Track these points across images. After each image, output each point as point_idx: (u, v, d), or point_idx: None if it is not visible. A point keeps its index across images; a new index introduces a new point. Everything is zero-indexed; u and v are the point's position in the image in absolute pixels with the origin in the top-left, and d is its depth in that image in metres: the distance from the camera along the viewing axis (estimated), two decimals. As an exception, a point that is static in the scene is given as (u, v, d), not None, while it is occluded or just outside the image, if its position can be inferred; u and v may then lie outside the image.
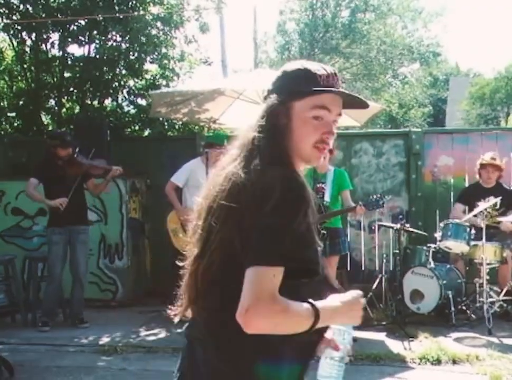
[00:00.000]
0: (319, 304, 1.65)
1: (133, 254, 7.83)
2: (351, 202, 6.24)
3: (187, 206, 6.82)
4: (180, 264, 1.97)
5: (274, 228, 1.63)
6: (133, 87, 9.88)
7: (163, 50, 9.61)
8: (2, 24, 9.22)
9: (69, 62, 9.52)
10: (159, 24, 9.38)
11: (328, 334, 1.79)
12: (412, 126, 22.12)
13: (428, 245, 6.79)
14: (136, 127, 9.96)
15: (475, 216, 6.50)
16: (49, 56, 9.54)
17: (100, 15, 8.80)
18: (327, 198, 6.19)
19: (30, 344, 6.02)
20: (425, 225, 7.62)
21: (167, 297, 7.19)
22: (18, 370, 5.11)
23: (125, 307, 7.51)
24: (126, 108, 10.06)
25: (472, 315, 6.43)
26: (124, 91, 9.83)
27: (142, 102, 9.92)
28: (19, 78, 9.93)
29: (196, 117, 8.02)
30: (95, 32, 9.18)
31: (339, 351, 1.76)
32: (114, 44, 9.34)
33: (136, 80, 9.86)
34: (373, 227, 7.68)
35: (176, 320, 1.93)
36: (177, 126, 9.71)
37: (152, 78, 9.86)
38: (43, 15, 8.76)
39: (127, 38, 9.16)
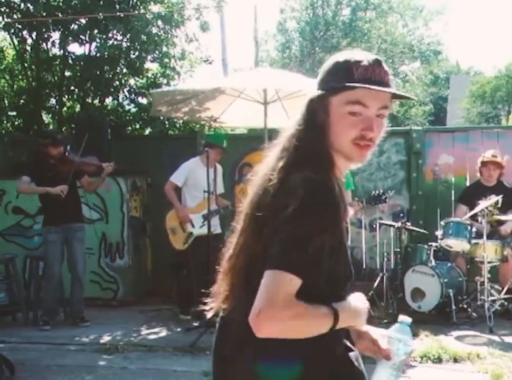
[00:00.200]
0: (338, 306, 1.65)
1: (134, 253, 7.83)
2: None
3: (186, 205, 6.82)
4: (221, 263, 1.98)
5: (293, 235, 1.60)
6: (134, 86, 9.88)
7: (164, 49, 9.61)
8: (3, 23, 9.21)
9: (70, 61, 9.51)
10: (159, 22, 9.37)
11: (383, 343, 1.79)
12: (413, 125, 22.11)
13: (429, 243, 6.78)
14: (137, 126, 9.96)
15: (475, 215, 6.50)
16: (50, 55, 9.54)
17: (100, 14, 8.79)
18: None
19: (31, 343, 6.02)
20: (426, 224, 7.62)
21: (168, 296, 7.22)
22: (19, 369, 5.12)
23: (126, 306, 7.51)
24: (127, 107, 10.07)
25: (473, 313, 6.43)
26: (125, 90, 9.83)
27: (143, 100, 9.93)
28: (20, 77, 9.93)
29: (197, 116, 8.01)
30: (96, 31, 9.17)
31: (392, 360, 1.75)
32: (115, 42, 9.33)
33: (137, 79, 9.86)
34: (374, 226, 7.68)
35: (209, 315, 1.89)
36: (177, 125, 9.71)
37: (153, 77, 9.86)
38: (44, 14, 8.75)
39: (128, 37, 9.16)
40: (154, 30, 9.31)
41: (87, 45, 9.32)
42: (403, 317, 1.80)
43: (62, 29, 9.15)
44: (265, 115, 7.06)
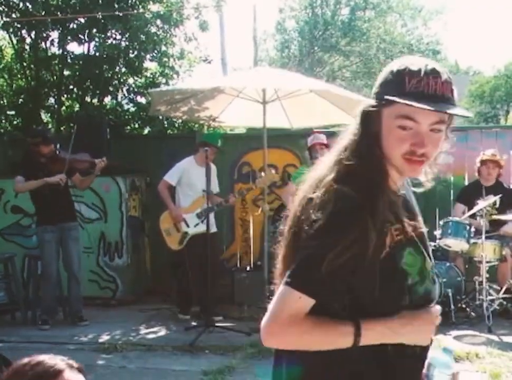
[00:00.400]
0: (368, 323, 1.62)
1: (133, 252, 7.83)
2: None
3: (180, 205, 6.83)
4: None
5: (308, 253, 1.61)
6: (133, 85, 9.87)
7: (163, 48, 9.60)
8: (1, 22, 9.20)
9: (69, 60, 9.50)
10: (158, 21, 9.37)
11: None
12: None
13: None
14: (136, 126, 9.96)
15: (473, 215, 6.51)
16: (49, 54, 9.52)
17: (99, 13, 8.78)
18: None
19: (30, 342, 6.02)
20: (424, 223, 7.58)
21: (167, 295, 7.23)
22: (18, 368, 5.11)
23: (125, 306, 7.51)
24: (126, 107, 10.05)
25: (472, 313, 6.43)
26: (124, 89, 9.82)
27: (141, 100, 9.91)
28: (19, 76, 9.92)
29: (196, 116, 8.01)
30: (94, 30, 9.16)
31: None
32: (114, 42, 9.32)
33: (136, 78, 9.85)
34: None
35: None
36: (176, 125, 9.70)
37: (151, 76, 9.85)
38: (43, 13, 8.74)
39: (127, 36, 9.15)
40: (153, 29, 9.31)
41: (86, 44, 9.31)
42: (447, 344, 1.78)
43: (60, 28, 9.14)
44: (264, 115, 7.06)
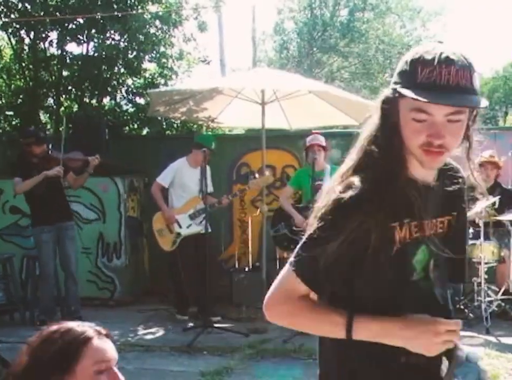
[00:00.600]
0: (363, 318, 1.62)
1: (132, 252, 7.82)
2: None
3: (173, 206, 6.83)
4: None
5: (309, 238, 1.68)
6: (132, 86, 9.87)
7: (162, 49, 9.60)
8: (0, 23, 9.20)
9: (67, 61, 9.50)
10: (157, 22, 9.37)
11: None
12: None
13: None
14: (135, 126, 9.96)
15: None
16: (48, 54, 9.52)
17: (98, 14, 8.78)
18: None
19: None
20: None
21: (165, 296, 7.22)
22: (16, 369, 5.10)
23: (123, 306, 7.51)
24: (124, 107, 10.05)
25: (470, 314, 6.43)
26: (123, 90, 9.82)
27: (140, 100, 9.91)
28: (17, 76, 9.91)
29: (194, 116, 8.02)
30: (93, 31, 9.16)
31: None
32: (113, 42, 9.33)
33: (134, 79, 9.86)
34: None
35: None
36: (175, 125, 9.71)
37: (150, 77, 9.85)
38: (41, 14, 8.74)
39: (125, 36, 9.15)
40: (152, 30, 9.31)
41: (85, 45, 9.31)
42: (472, 354, 1.71)
43: (59, 29, 9.13)
44: (262, 116, 7.06)
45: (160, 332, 6.44)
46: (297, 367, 5.28)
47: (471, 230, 6.49)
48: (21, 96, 9.71)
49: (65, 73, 9.58)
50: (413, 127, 1.61)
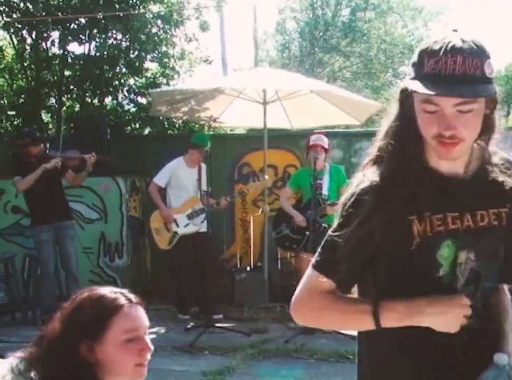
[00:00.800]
0: (388, 302, 1.61)
1: (133, 252, 7.83)
2: None
3: (170, 205, 6.85)
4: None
5: (329, 234, 1.70)
6: (133, 86, 9.87)
7: (164, 48, 9.60)
8: (2, 22, 9.21)
9: (69, 60, 9.50)
10: (159, 22, 9.37)
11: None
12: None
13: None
14: (137, 126, 9.96)
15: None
16: (50, 54, 9.53)
17: (100, 13, 8.79)
18: (325, 191, 6.31)
19: (30, 343, 6.01)
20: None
21: (165, 296, 7.22)
22: (18, 368, 5.11)
23: (125, 306, 7.50)
24: (126, 107, 10.05)
25: None
26: (124, 90, 9.82)
27: (142, 100, 9.92)
28: (19, 76, 9.92)
29: (196, 116, 8.02)
30: (95, 30, 9.17)
31: None
32: (115, 42, 9.34)
33: (136, 78, 9.86)
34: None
35: None
36: (177, 125, 9.70)
37: (152, 76, 9.85)
38: (43, 13, 8.74)
39: (127, 36, 9.16)
40: (153, 30, 9.31)
41: (87, 45, 9.31)
42: (501, 356, 1.62)
43: (61, 29, 9.14)
44: (264, 115, 7.07)
45: (162, 332, 6.45)
46: (298, 366, 5.28)
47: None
48: (23, 96, 9.71)
49: (67, 73, 9.59)
50: (425, 118, 1.59)
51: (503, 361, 1.61)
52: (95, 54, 9.27)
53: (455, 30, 1.59)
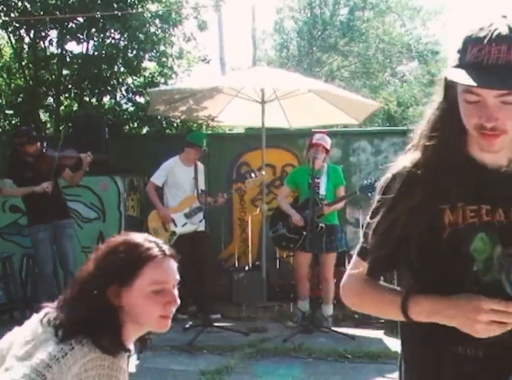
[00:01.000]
0: (418, 296, 1.59)
1: (131, 251, 7.81)
2: None
3: (168, 205, 6.85)
4: None
5: (367, 222, 1.72)
6: (132, 85, 9.86)
7: (162, 48, 9.60)
8: (0, 21, 9.20)
9: (67, 59, 9.49)
10: (157, 21, 9.37)
11: None
12: (410, 125, 22.11)
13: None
14: (135, 125, 9.95)
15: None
16: (48, 53, 9.52)
17: (98, 13, 8.78)
18: (322, 191, 6.32)
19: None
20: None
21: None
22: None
23: (123, 305, 7.50)
24: (124, 106, 10.04)
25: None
26: (123, 89, 9.81)
27: (140, 99, 9.91)
28: (17, 75, 9.91)
29: (194, 115, 8.02)
30: (93, 30, 9.16)
31: None
32: (113, 41, 9.32)
33: (134, 78, 9.85)
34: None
35: None
36: (175, 124, 9.70)
37: (150, 76, 9.84)
38: (41, 13, 8.73)
39: (125, 35, 9.15)
40: (152, 29, 9.30)
41: (85, 44, 9.30)
42: None
43: (59, 28, 9.13)
44: (262, 115, 7.07)
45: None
46: (297, 366, 5.28)
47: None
48: (21, 95, 9.70)
49: (65, 72, 9.58)
50: (466, 109, 1.53)
51: None
52: (93, 53, 9.27)
53: (504, 16, 1.53)
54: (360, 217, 7.80)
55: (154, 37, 9.26)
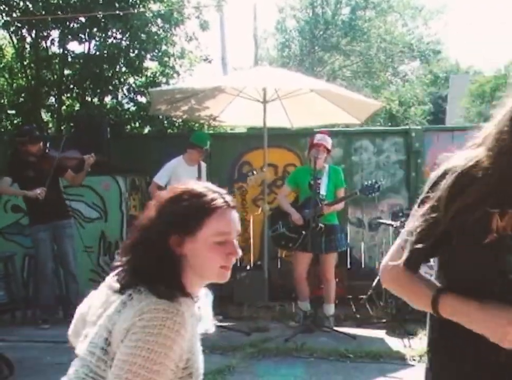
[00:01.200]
0: (451, 296, 1.60)
1: (133, 251, 7.81)
2: None
3: None
4: None
5: (413, 212, 1.73)
6: (133, 85, 9.86)
7: (164, 47, 9.59)
8: (2, 21, 9.20)
9: (69, 59, 9.49)
10: (159, 21, 9.36)
11: None
12: (412, 124, 22.13)
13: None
14: (136, 125, 9.95)
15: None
16: (49, 53, 9.52)
17: (100, 12, 8.78)
18: (323, 191, 6.32)
19: (30, 342, 6.02)
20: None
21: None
22: (18, 367, 5.11)
23: (125, 305, 7.50)
24: (126, 106, 10.04)
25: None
26: (124, 88, 9.81)
27: (142, 99, 9.91)
28: (19, 75, 9.92)
29: (196, 115, 8.02)
30: (95, 29, 9.16)
31: None
32: (114, 41, 9.32)
33: (136, 77, 9.85)
34: (373, 225, 7.70)
35: None
36: (176, 124, 9.70)
37: (152, 75, 9.84)
38: (43, 12, 8.73)
39: (127, 35, 9.15)
40: (153, 29, 9.30)
41: (87, 44, 9.30)
42: None
43: (61, 28, 9.13)
44: (264, 114, 7.07)
45: (162, 331, 6.44)
46: (298, 365, 5.28)
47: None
48: (23, 95, 9.71)
49: (66, 72, 9.59)
50: None
51: None
52: (95, 53, 9.27)
53: None
54: (362, 216, 7.80)
55: (156, 36, 9.26)
